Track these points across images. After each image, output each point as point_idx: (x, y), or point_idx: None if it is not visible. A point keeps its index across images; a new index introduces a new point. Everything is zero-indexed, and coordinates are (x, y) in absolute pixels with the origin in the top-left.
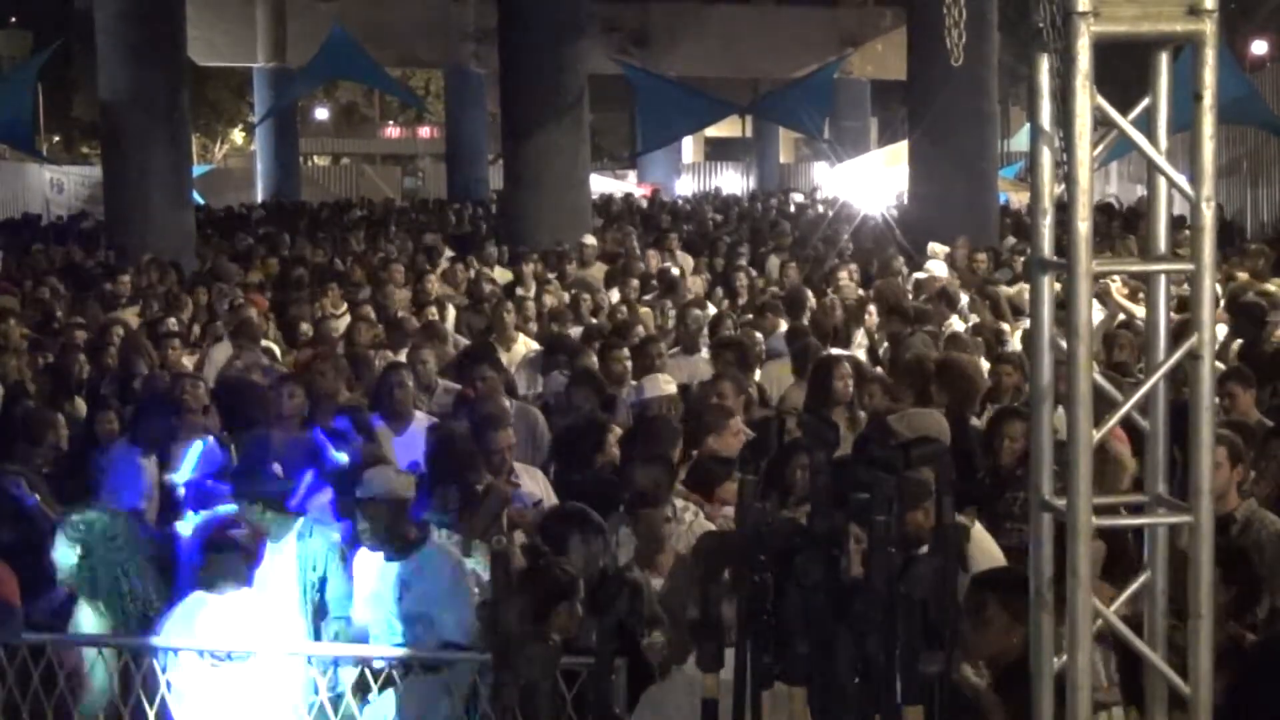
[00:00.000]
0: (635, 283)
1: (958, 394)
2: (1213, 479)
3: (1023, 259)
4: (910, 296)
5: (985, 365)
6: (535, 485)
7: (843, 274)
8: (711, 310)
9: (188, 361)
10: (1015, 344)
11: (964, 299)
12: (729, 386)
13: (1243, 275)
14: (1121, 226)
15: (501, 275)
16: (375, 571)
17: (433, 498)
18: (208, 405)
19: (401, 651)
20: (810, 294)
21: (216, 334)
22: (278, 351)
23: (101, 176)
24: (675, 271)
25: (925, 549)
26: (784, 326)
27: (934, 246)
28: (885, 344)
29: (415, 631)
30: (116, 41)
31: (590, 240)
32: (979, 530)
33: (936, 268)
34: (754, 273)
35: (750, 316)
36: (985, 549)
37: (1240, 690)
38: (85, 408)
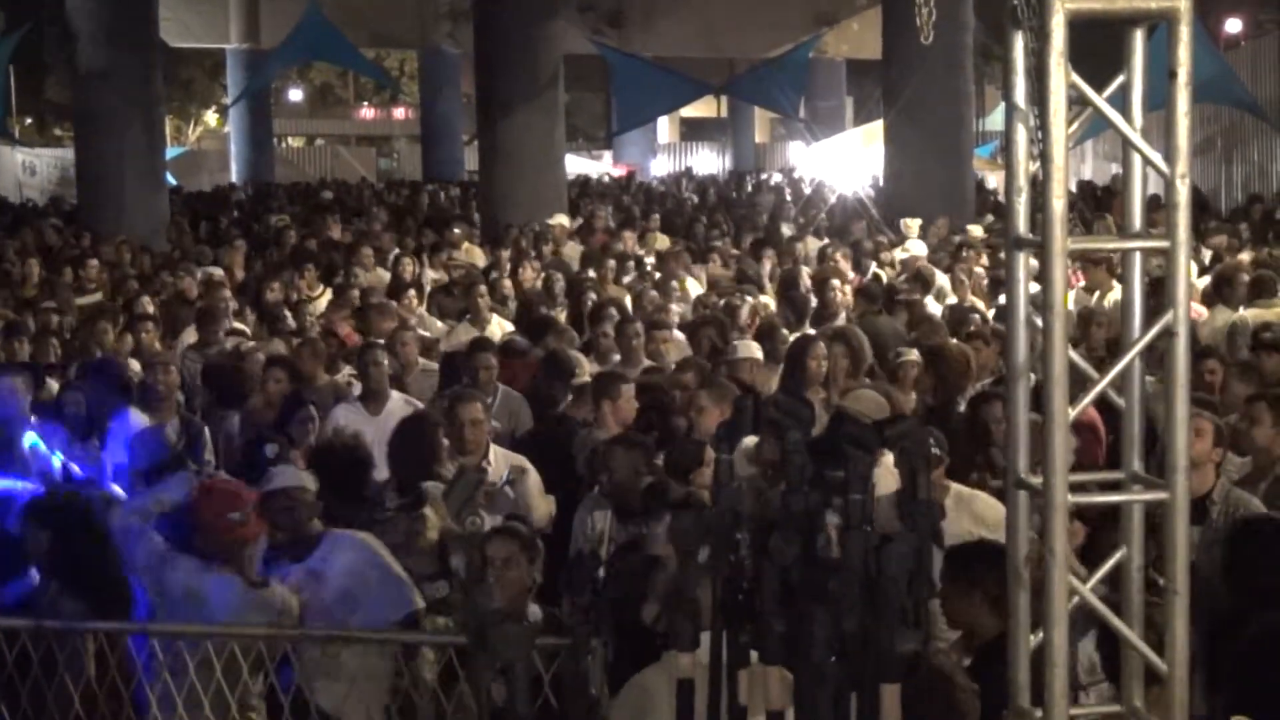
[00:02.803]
0: (611, 263)
1: (945, 381)
2: (1190, 451)
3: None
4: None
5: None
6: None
7: (839, 255)
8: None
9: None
10: None
11: (944, 279)
12: (690, 377)
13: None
14: (1094, 207)
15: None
16: (284, 570)
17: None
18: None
19: (376, 632)
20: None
21: (183, 317)
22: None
23: (74, 159)
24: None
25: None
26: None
27: (906, 221)
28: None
29: (340, 616)
30: (89, 23)
31: (562, 220)
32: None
33: (916, 247)
34: (730, 253)
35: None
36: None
37: (1238, 674)
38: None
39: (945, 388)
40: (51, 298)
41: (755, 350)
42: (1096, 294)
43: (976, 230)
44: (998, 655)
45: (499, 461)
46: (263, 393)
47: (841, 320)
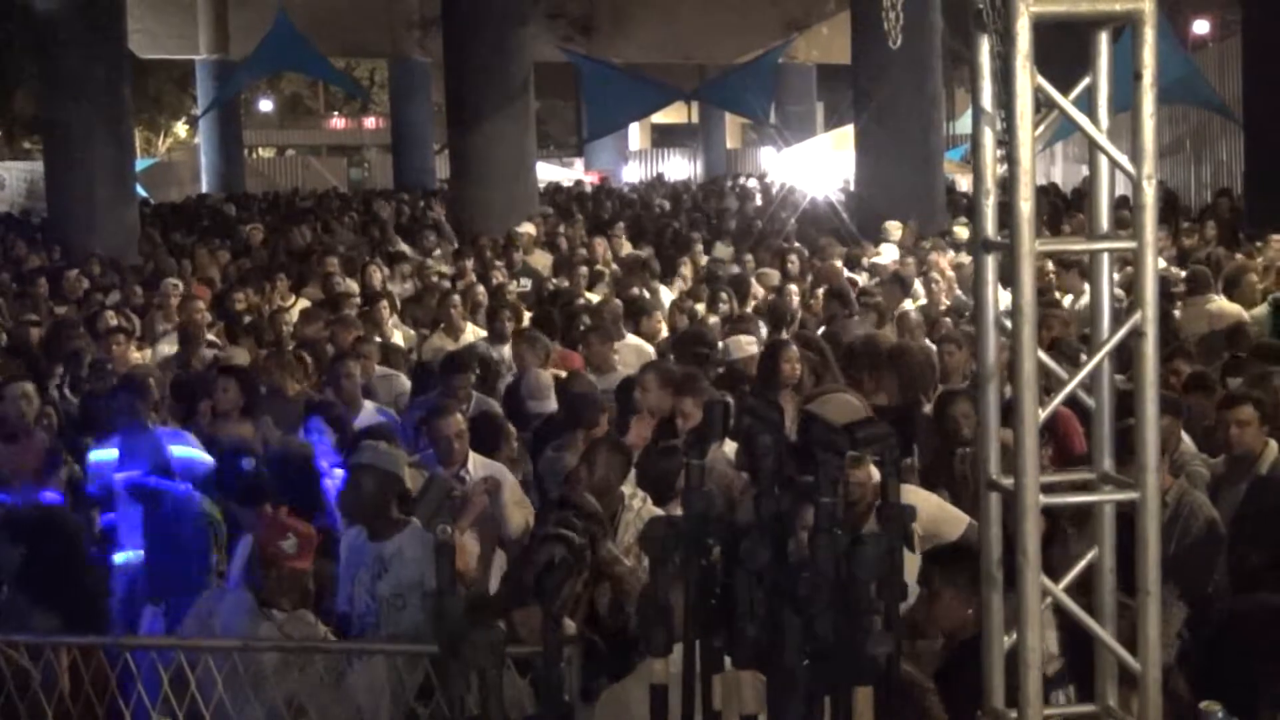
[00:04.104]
0: (584, 270)
1: (909, 380)
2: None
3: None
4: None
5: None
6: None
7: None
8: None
9: (138, 356)
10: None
11: (916, 282)
12: (653, 379)
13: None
14: (1064, 208)
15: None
16: (357, 549)
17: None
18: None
19: (349, 644)
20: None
21: (160, 329)
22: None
23: (43, 172)
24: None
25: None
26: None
27: (888, 225)
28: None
29: (390, 613)
30: (57, 35)
31: (528, 228)
32: (921, 493)
33: (889, 251)
34: (701, 259)
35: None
36: (929, 509)
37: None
38: None
39: (909, 388)
40: (27, 310)
41: (751, 345)
42: (1070, 298)
43: (962, 231)
44: (972, 656)
45: (478, 470)
46: (213, 403)
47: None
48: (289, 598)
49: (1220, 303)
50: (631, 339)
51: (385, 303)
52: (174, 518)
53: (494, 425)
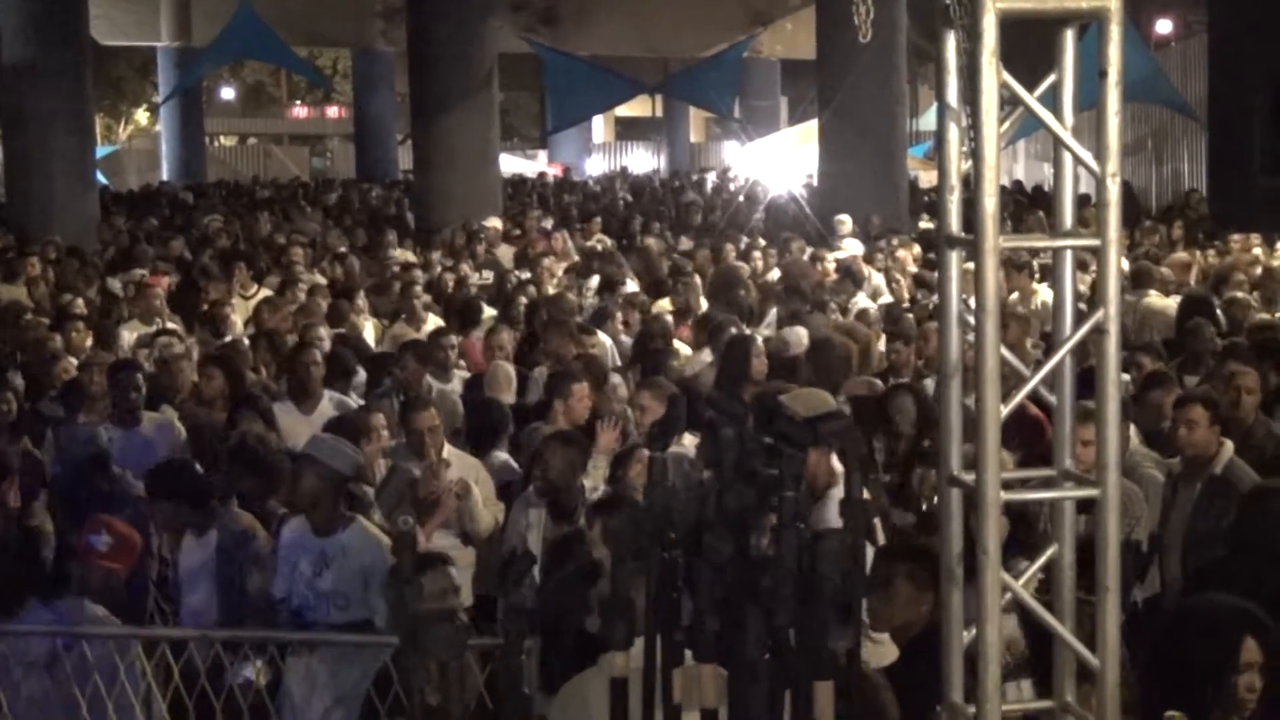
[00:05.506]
0: (546, 263)
1: (825, 372)
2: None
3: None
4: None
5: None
6: (464, 472)
7: (756, 254)
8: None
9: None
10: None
11: (879, 277)
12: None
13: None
14: (1028, 203)
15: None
16: (297, 541)
17: None
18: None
19: (312, 635)
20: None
21: (120, 316)
22: (182, 332)
23: (2, 158)
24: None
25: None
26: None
27: (841, 218)
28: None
29: (330, 610)
30: (17, 19)
31: (496, 223)
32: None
33: (851, 246)
34: (669, 251)
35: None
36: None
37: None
38: None
39: (825, 379)
40: None
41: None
42: (1015, 295)
43: (926, 226)
44: (925, 651)
45: (454, 462)
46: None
47: (771, 318)
48: (99, 596)
49: (1152, 299)
50: (598, 334)
51: (362, 294)
52: (111, 506)
53: (495, 413)
